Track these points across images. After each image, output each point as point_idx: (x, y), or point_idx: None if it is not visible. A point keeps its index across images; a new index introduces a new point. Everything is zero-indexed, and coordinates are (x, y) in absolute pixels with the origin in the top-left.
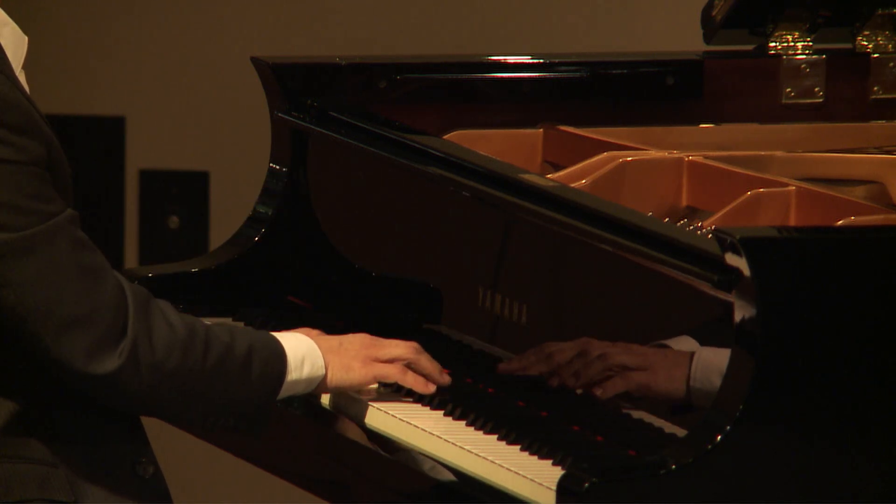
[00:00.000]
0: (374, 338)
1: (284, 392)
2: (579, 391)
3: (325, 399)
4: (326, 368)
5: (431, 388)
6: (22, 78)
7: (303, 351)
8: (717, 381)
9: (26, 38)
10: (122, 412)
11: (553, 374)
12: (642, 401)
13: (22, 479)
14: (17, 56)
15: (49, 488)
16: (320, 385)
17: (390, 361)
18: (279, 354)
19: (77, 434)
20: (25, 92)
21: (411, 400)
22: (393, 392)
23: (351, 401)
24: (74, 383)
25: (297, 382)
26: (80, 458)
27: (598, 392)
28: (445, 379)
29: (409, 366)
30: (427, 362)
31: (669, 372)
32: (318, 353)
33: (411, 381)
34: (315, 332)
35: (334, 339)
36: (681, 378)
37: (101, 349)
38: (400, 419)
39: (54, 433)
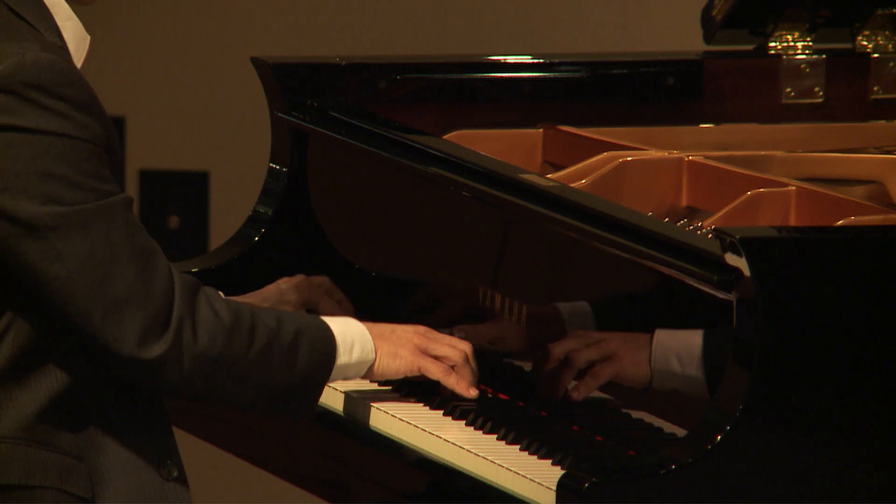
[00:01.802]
0: (429, 330)
1: (335, 376)
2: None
3: (326, 399)
4: (376, 353)
5: (474, 393)
6: None
7: (353, 335)
8: (674, 363)
9: (88, 37)
10: (155, 413)
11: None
12: (629, 395)
13: (44, 466)
14: (77, 53)
15: (69, 481)
16: (369, 371)
17: (440, 358)
18: (328, 338)
19: (107, 430)
20: None
21: (413, 400)
22: (393, 391)
23: (352, 401)
24: (119, 366)
25: (347, 366)
26: (106, 453)
27: (574, 395)
28: (473, 394)
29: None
30: (468, 372)
31: (633, 357)
32: (369, 337)
33: (453, 382)
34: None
35: (387, 326)
36: (644, 361)
37: (149, 333)
38: (400, 419)
39: (84, 426)
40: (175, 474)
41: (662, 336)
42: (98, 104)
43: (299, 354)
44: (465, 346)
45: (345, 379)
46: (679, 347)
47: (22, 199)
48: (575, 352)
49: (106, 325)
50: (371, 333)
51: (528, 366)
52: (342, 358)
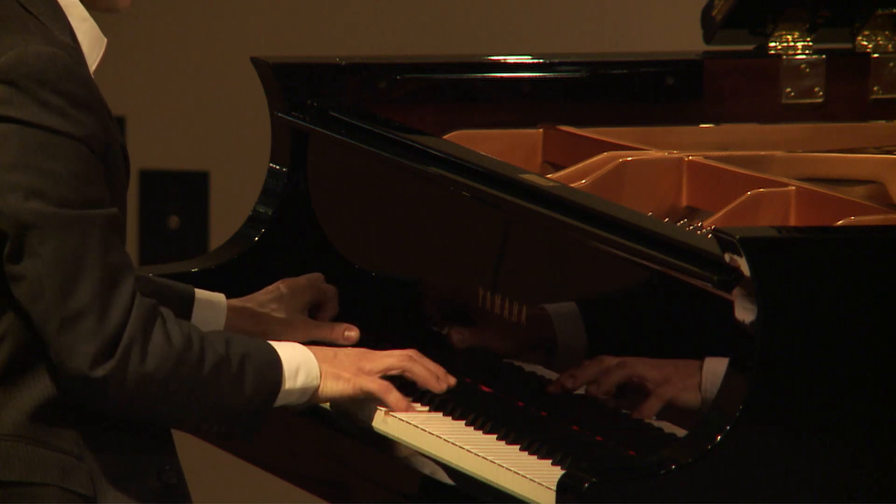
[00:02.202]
0: (369, 350)
1: (280, 401)
2: (599, 399)
3: None
4: (320, 378)
5: (411, 409)
6: None
7: (298, 360)
8: None
9: (105, 40)
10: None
11: (574, 383)
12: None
13: (45, 465)
14: (92, 55)
15: (70, 479)
16: (314, 395)
17: (384, 371)
18: (274, 364)
19: (107, 431)
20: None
21: (411, 399)
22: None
23: (352, 401)
24: (66, 380)
25: (291, 392)
26: (106, 455)
27: (639, 415)
28: (446, 384)
29: (403, 374)
30: (422, 370)
31: (685, 382)
32: (315, 362)
33: (393, 400)
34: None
35: (330, 350)
36: (695, 387)
37: (98, 352)
38: (400, 419)
39: (84, 426)
40: (174, 481)
41: (713, 364)
42: (99, 103)
43: (245, 380)
44: (410, 351)
45: (287, 403)
46: None
47: (7, 193)
48: (629, 363)
49: (61, 336)
50: (316, 357)
51: (528, 366)
52: (287, 383)
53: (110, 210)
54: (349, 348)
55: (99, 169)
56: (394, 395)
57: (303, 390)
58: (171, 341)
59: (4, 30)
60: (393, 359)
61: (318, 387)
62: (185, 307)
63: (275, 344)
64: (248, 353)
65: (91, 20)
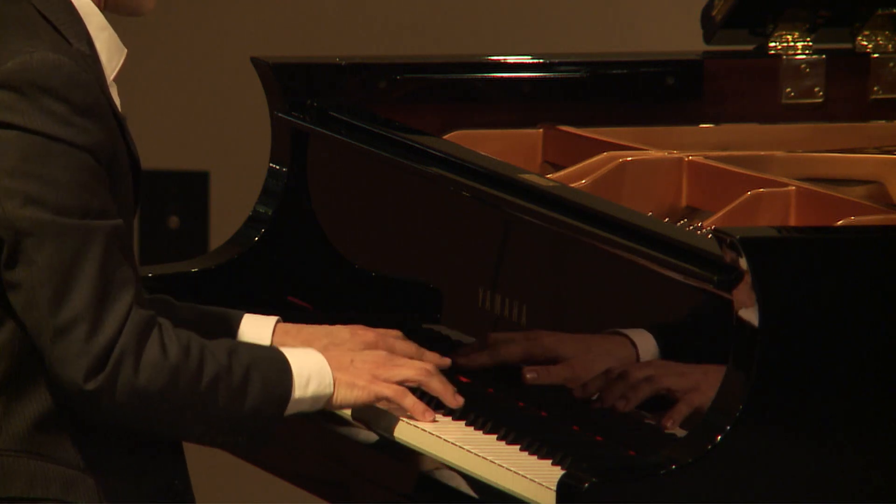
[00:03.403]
0: (390, 356)
1: (290, 410)
2: (624, 410)
3: None
4: (334, 386)
5: (429, 417)
6: (113, 91)
7: (309, 369)
8: None
9: (125, 50)
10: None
11: (596, 394)
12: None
13: (46, 479)
14: (111, 64)
15: (72, 493)
16: (328, 403)
17: (401, 381)
18: (283, 374)
19: (115, 444)
20: (113, 101)
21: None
22: None
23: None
24: (61, 390)
25: (301, 401)
26: (114, 469)
27: (668, 423)
28: (458, 401)
29: (419, 388)
30: (438, 384)
31: (715, 389)
32: (328, 370)
33: (410, 404)
34: (338, 336)
35: (347, 356)
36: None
37: (91, 363)
38: (400, 419)
39: (91, 438)
40: (181, 490)
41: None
42: (105, 111)
43: (249, 391)
44: (427, 365)
45: (299, 412)
46: None
47: (4, 199)
48: (657, 377)
49: (54, 346)
50: (330, 365)
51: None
52: (297, 392)
53: (114, 221)
54: (368, 353)
55: (103, 179)
56: (409, 399)
57: (314, 399)
58: (167, 353)
59: (14, 34)
60: (411, 371)
61: (332, 395)
62: (231, 328)
63: (287, 351)
64: (255, 363)
65: (110, 29)
